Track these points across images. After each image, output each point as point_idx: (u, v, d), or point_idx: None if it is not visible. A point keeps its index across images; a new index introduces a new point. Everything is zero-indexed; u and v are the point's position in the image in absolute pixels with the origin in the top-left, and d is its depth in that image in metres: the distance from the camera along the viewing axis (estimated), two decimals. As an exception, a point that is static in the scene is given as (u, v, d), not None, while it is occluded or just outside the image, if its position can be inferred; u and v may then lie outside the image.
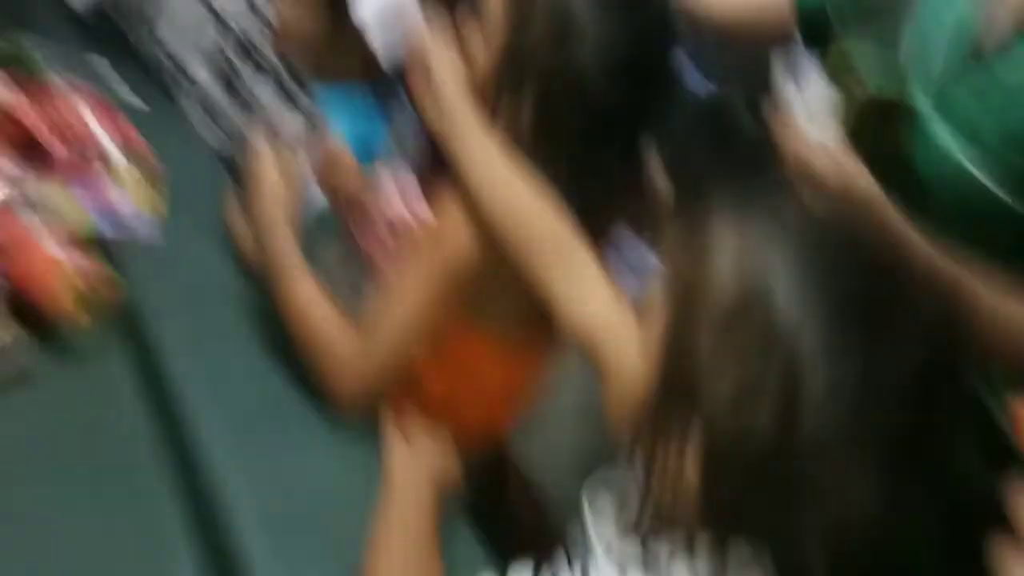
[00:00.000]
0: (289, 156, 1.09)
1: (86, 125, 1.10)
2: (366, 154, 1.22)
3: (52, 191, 1.05)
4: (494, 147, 0.90)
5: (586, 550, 0.67)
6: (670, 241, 0.66)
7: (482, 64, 0.93)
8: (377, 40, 1.10)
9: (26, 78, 1.20)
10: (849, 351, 0.54)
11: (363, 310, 0.99)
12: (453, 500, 0.94)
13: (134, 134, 1.15)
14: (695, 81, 1.53)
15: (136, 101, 1.39)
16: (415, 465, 0.91)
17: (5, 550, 0.82)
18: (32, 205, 1.04)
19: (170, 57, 1.51)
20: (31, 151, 1.09)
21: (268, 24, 1.36)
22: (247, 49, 1.43)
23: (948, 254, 0.91)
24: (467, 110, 0.91)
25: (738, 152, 1.27)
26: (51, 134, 1.07)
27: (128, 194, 1.10)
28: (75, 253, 0.99)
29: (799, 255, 0.57)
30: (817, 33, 1.20)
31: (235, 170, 1.27)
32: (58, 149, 1.08)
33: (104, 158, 1.10)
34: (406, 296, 0.95)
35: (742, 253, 0.58)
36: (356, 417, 0.98)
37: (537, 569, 0.70)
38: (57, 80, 1.19)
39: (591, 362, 0.82)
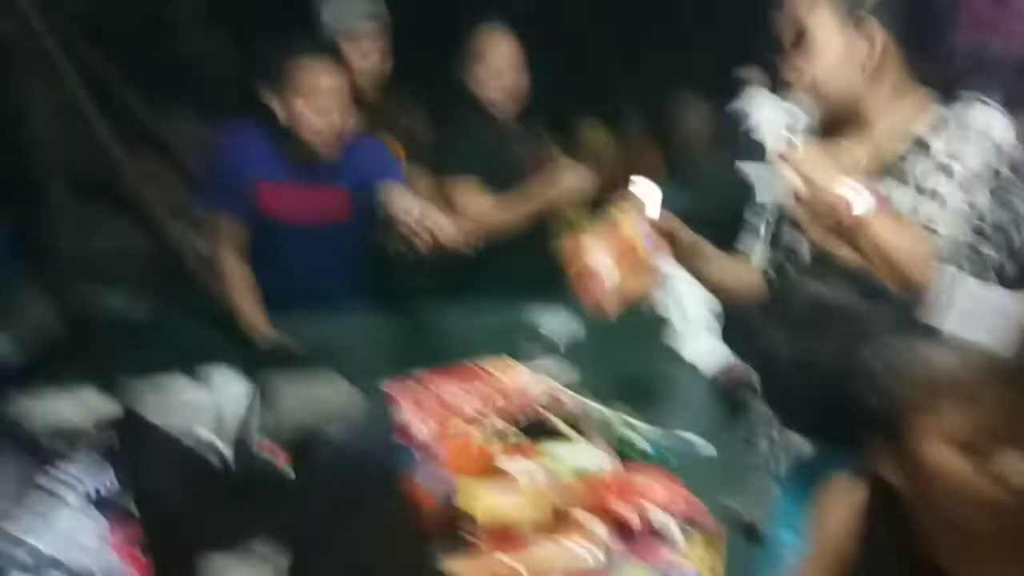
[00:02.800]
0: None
1: (653, 501, 1.34)
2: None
3: (630, 565, 1.29)
4: None
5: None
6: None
7: None
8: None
9: (619, 452, 1.52)
10: None
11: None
12: None
13: (697, 505, 1.36)
14: None
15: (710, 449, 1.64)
16: None
17: None
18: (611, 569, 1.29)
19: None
20: (613, 518, 1.36)
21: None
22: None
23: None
24: None
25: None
26: (629, 511, 1.33)
27: (689, 560, 1.30)
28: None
29: None
30: None
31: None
32: (633, 521, 1.32)
33: (668, 529, 1.32)
34: None
35: None
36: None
37: None
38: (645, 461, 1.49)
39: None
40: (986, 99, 1.48)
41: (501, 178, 2.59)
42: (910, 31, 1.48)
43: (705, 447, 1.68)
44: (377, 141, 2.48)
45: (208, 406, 1.45)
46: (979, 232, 1.42)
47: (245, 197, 2.32)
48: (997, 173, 1.42)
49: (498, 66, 2.56)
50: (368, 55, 2.55)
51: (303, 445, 1.29)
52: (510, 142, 2.62)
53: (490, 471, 1.40)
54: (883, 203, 1.42)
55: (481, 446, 1.43)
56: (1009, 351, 0.93)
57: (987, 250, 1.42)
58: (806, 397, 1.18)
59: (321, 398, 1.43)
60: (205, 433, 1.35)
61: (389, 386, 1.68)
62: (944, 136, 1.46)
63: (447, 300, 2.37)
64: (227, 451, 1.34)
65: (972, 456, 0.94)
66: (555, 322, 2.10)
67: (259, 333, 2.19)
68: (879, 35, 1.46)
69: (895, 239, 1.39)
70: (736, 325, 2.06)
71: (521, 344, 2.08)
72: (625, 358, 2.19)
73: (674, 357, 2.19)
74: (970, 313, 0.94)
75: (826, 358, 1.15)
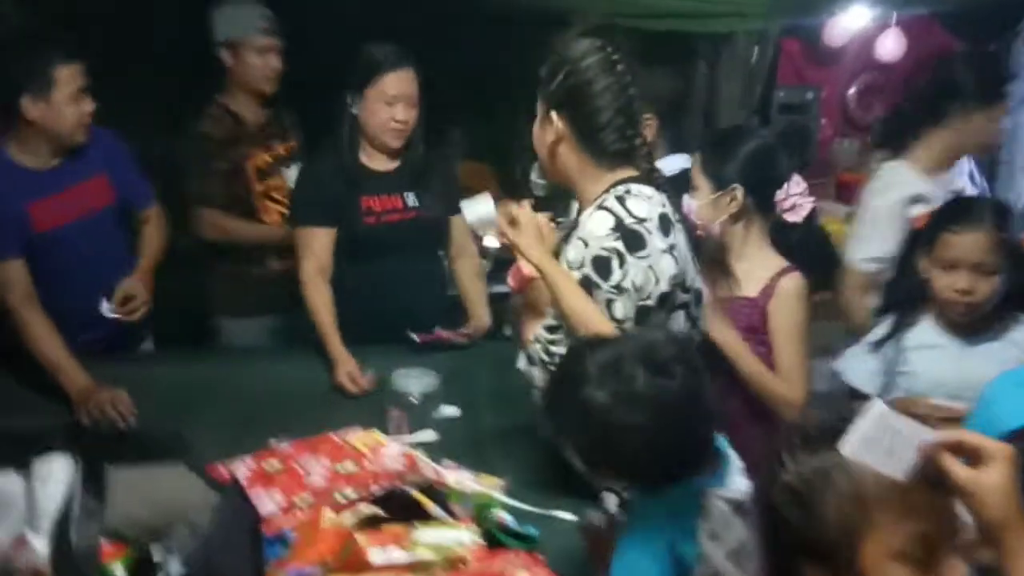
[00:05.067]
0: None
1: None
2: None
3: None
4: None
5: None
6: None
7: None
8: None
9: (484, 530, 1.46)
10: None
11: None
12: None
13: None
14: None
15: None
16: None
17: None
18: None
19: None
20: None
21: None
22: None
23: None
24: None
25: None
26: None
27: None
28: None
29: None
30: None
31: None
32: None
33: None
34: None
35: None
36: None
37: None
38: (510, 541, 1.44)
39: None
40: (607, 206, 1.67)
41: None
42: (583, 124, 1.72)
43: (566, 516, 1.64)
44: (108, 131, 2.34)
45: (21, 498, 1.28)
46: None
47: (20, 228, 2.11)
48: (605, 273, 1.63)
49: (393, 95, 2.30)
50: (264, 53, 2.65)
51: (143, 555, 1.15)
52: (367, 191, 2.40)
53: (355, 562, 1.30)
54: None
55: (343, 531, 1.33)
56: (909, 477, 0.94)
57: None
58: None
59: (164, 492, 1.28)
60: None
61: (236, 465, 1.54)
62: (570, 242, 1.71)
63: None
64: (44, 554, 1.18)
65: (919, 570, 0.94)
66: (409, 377, 2.02)
67: (84, 392, 1.99)
68: (557, 125, 1.72)
69: (574, 303, 1.63)
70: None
71: (380, 404, 2.00)
72: (482, 412, 2.14)
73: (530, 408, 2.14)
74: (879, 441, 0.94)
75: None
